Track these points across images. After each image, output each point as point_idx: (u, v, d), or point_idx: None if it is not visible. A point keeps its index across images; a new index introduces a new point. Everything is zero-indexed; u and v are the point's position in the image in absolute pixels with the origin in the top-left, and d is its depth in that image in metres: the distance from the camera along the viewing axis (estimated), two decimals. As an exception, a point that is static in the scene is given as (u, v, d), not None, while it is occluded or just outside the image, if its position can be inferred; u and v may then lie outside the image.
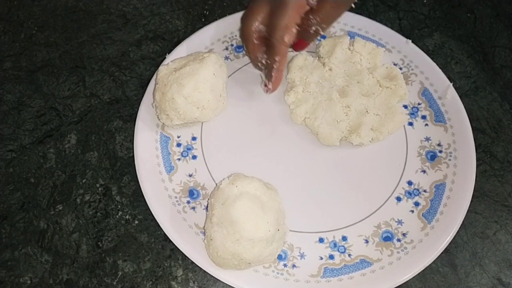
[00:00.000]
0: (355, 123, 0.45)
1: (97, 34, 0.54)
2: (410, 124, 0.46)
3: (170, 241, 0.40)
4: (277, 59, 0.42)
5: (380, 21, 0.51)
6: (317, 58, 0.49)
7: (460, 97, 0.46)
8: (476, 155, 0.43)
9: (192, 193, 0.43)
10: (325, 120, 0.45)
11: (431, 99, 0.47)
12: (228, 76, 0.48)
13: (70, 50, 0.53)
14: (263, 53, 0.43)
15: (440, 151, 0.44)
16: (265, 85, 0.45)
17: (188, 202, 0.42)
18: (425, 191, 0.43)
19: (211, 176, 0.44)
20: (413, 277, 0.39)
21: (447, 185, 0.42)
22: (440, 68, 0.48)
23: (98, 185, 0.45)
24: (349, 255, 0.40)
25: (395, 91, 0.46)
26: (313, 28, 0.43)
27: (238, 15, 0.51)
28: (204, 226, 0.40)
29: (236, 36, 0.51)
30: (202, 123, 0.47)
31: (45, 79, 0.51)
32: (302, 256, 0.40)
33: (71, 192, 0.44)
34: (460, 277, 0.41)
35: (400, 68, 0.49)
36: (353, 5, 0.44)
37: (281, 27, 0.41)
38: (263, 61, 0.44)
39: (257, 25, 0.42)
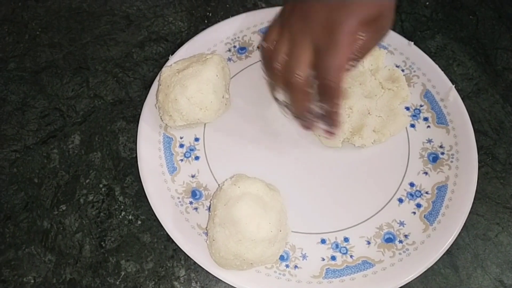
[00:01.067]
0: (357, 124, 0.45)
1: (101, 35, 0.54)
2: (412, 126, 0.46)
3: (173, 241, 0.40)
4: (338, 102, 0.36)
5: (383, 23, 0.51)
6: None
7: (462, 99, 0.46)
8: (478, 157, 0.43)
9: (194, 194, 0.43)
10: None
11: (433, 101, 0.47)
12: (231, 78, 0.49)
13: (74, 51, 0.53)
14: (313, 100, 0.37)
15: (442, 153, 0.44)
16: (328, 132, 0.39)
17: (191, 202, 0.43)
18: (427, 192, 0.43)
19: (214, 177, 0.44)
20: (415, 279, 0.39)
21: (449, 186, 0.42)
22: (442, 70, 0.48)
23: (101, 185, 0.45)
24: (351, 256, 0.40)
25: (397, 93, 0.46)
26: (350, 62, 0.36)
27: (241, 17, 0.52)
28: (206, 227, 0.41)
29: (238, 37, 0.51)
30: (205, 124, 0.47)
31: (49, 80, 0.51)
32: (304, 257, 0.40)
33: (75, 192, 0.44)
34: (461, 279, 0.41)
35: (402, 70, 0.49)
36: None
37: (338, 67, 0.34)
38: (318, 109, 0.37)
39: (305, 71, 0.35)
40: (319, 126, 0.39)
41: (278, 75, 0.37)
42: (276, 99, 0.41)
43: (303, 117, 0.39)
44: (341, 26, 0.33)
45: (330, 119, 0.37)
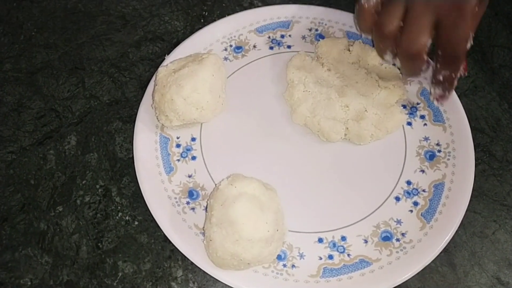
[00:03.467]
0: (354, 122, 0.45)
1: (97, 35, 0.54)
2: (409, 123, 0.46)
3: (170, 242, 0.40)
4: (460, 69, 0.39)
5: (379, 21, 0.51)
6: (316, 58, 0.49)
7: (459, 96, 0.46)
8: (475, 154, 0.43)
9: (191, 194, 0.43)
10: (325, 117, 0.45)
11: (429, 98, 0.47)
12: (227, 77, 0.49)
13: (70, 52, 0.53)
14: (443, 69, 0.40)
15: (439, 151, 0.44)
16: (442, 97, 0.42)
17: (188, 202, 0.42)
18: (424, 190, 0.43)
19: (211, 177, 0.44)
20: (412, 277, 0.39)
21: (446, 184, 0.42)
22: (439, 68, 0.48)
23: (98, 186, 0.45)
24: (348, 255, 0.40)
25: (394, 91, 0.46)
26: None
27: (237, 16, 0.52)
28: (203, 227, 0.41)
29: (234, 37, 0.51)
30: (202, 124, 0.47)
31: (44, 81, 0.51)
32: (301, 256, 0.40)
33: (71, 193, 0.44)
34: (459, 277, 0.41)
35: (399, 68, 0.49)
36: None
37: (465, 39, 0.37)
38: (440, 77, 0.40)
39: (427, 40, 0.38)
40: (434, 92, 0.42)
41: (389, 39, 0.40)
42: (383, 59, 0.44)
43: (416, 77, 0.44)
44: (468, 3, 0.37)
45: (449, 84, 0.41)
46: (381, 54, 0.43)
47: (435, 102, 0.44)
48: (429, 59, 0.41)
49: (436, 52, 0.39)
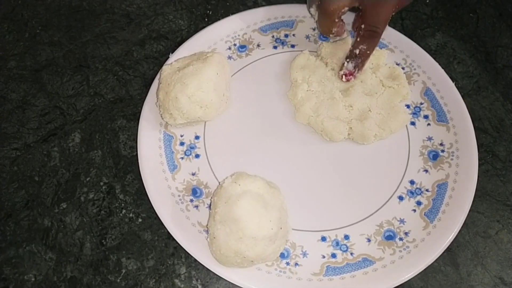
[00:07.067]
0: (358, 122, 0.45)
1: (101, 33, 0.54)
2: (413, 123, 0.46)
3: (174, 239, 0.40)
4: (375, 47, 0.45)
5: (383, 21, 0.51)
6: (320, 58, 0.49)
7: (463, 96, 0.46)
8: (478, 154, 0.43)
9: (195, 192, 0.43)
10: (328, 117, 0.45)
11: (433, 98, 0.47)
12: (231, 76, 0.49)
13: (74, 49, 0.53)
14: (361, 43, 0.44)
15: (442, 151, 0.44)
16: (350, 74, 0.46)
17: (191, 200, 0.43)
18: (427, 190, 0.43)
19: (214, 175, 0.44)
20: (415, 276, 0.39)
21: (449, 184, 0.43)
22: (443, 67, 0.48)
23: (102, 183, 0.45)
24: (352, 253, 0.40)
25: (398, 91, 0.46)
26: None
27: (241, 15, 0.52)
28: (207, 224, 0.41)
29: (238, 35, 0.51)
30: (205, 122, 0.47)
31: (49, 78, 0.51)
32: (304, 254, 0.40)
33: (75, 190, 0.45)
34: (462, 276, 0.41)
35: (403, 68, 0.49)
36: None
37: (385, 21, 0.43)
38: (356, 51, 0.45)
39: (343, 8, 0.44)
40: (345, 66, 0.46)
41: None
42: (310, 13, 0.50)
43: (326, 35, 0.48)
44: (387, 3, 0.42)
45: (362, 62, 0.45)
46: (308, 7, 0.49)
47: (343, 78, 0.46)
48: (347, 31, 0.48)
49: (359, 26, 0.44)
